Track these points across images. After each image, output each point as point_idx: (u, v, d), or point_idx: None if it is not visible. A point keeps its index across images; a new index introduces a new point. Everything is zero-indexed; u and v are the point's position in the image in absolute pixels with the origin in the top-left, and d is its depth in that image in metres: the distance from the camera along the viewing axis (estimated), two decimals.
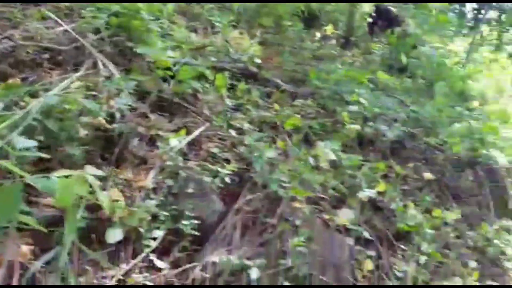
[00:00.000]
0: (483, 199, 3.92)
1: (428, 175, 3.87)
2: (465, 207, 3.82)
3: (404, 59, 6.29)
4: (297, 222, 2.83)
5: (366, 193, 3.36)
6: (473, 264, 3.16)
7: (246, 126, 3.30)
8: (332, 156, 3.55)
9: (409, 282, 2.89)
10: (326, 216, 3.09)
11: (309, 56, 5.57)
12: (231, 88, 3.83)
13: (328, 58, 5.69)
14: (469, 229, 3.59)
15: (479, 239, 3.42)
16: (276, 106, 3.83)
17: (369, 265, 2.98)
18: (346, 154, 3.68)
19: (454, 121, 4.58)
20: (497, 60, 8.71)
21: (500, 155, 4.18)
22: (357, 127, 3.89)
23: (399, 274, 2.89)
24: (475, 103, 6.49)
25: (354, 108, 4.04)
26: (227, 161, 2.94)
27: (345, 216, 3.21)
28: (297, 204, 2.97)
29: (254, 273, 2.37)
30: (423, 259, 3.09)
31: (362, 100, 4.10)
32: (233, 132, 3.20)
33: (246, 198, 2.74)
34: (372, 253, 3.07)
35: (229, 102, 3.55)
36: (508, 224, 3.79)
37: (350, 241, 3.07)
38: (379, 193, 3.46)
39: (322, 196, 3.24)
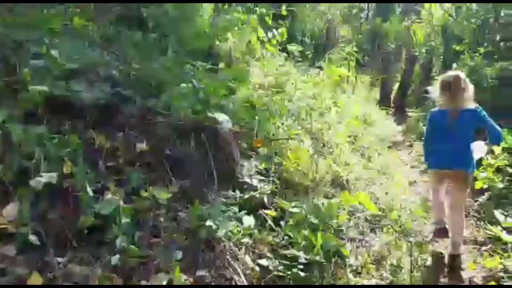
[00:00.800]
0: (207, 168, 3.45)
1: (142, 146, 3.20)
2: (186, 180, 3.28)
3: (144, 12, 5.54)
4: None
5: (42, 179, 2.47)
6: (179, 254, 2.61)
7: None
8: None
9: None
10: None
11: None
12: None
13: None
14: (187, 207, 3.07)
15: (193, 219, 2.91)
16: None
17: (36, 279, 2.15)
18: (26, 126, 2.72)
19: (182, 82, 4.00)
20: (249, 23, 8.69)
21: (227, 118, 3.78)
22: (44, 88, 2.91)
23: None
24: (221, 64, 6.19)
25: (41, 62, 3.03)
26: None
27: (7, 215, 2.29)
28: None
29: None
30: (116, 258, 2.40)
31: (55, 53, 3.11)
32: None
33: None
34: (41, 262, 2.25)
35: None
36: (230, 195, 3.42)
37: (10, 250, 2.19)
38: (66, 176, 2.62)
39: None
